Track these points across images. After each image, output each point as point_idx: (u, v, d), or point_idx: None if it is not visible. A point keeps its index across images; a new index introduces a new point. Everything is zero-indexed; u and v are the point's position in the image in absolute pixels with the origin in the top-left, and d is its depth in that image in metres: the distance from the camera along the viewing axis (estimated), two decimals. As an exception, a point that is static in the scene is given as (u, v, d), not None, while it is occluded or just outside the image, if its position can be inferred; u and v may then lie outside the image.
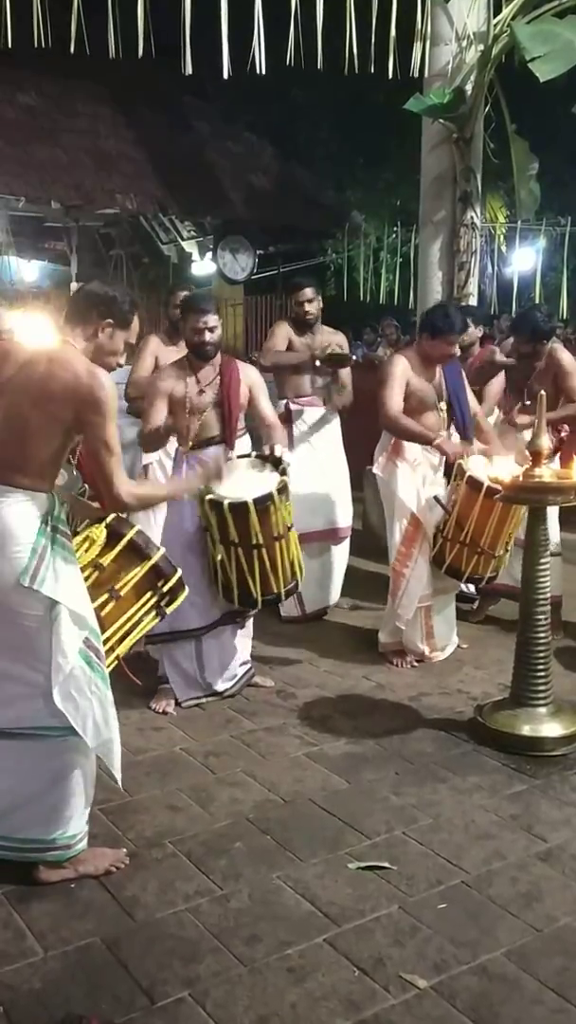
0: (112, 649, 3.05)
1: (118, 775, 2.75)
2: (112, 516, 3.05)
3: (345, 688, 4.35)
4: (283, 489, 3.85)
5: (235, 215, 13.32)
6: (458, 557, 4.40)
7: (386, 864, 2.85)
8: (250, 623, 4.28)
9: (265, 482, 3.86)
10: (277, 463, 3.96)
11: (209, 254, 14.18)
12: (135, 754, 3.62)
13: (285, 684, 4.37)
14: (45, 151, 12.04)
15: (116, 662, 3.08)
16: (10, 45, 5.36)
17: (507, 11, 6.48)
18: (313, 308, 5.25)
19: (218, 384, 4.09)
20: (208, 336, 3.99)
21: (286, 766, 3.53)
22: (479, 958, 2.42)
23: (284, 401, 5.35)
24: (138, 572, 3.09)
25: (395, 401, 4.43)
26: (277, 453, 4.01)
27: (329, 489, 5.36)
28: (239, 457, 4.06)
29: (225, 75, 5.48)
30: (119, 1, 5.63)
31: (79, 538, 3.00)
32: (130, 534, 3.08)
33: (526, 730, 3.64)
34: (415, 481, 4.54)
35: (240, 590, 3.90)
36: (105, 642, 2.98)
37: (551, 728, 3.64)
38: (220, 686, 4.16)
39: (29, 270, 16.22)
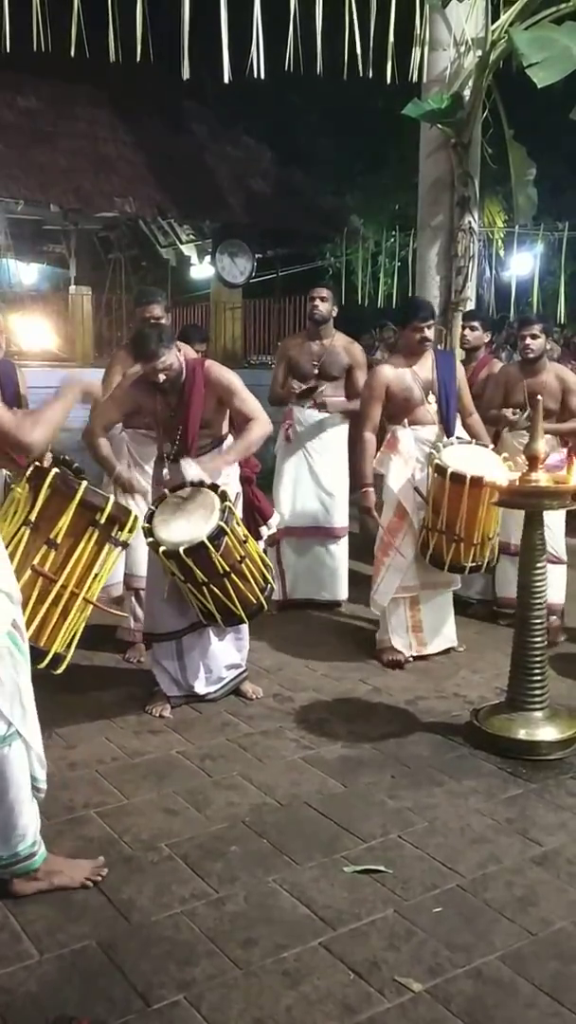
0: (75, 595, 3.02)
1: (41, 753, 2.68)
2: (31, 469, 2.97)
3: (342, 692, 4.36)
4: (227, 510, 3.74)
5: (234, 219, 13.36)
6: (438, 545, 4.51)
7: (382, 868, 2.85)
8: (245, 629, 4.24)
9: (209, 511, 3.75)
10: (214, 487, 3.84)
11: (208, 258, 14.22)
12: (131, 757, 3.62)
13: (282, 687, 4.38)
14: (44, 154, 12.09)
15: (86, 604, 3.06)
16: (9, 49, 5.37)
17: (505, 17, 6.49)
18: (323, 307, 5.40)
19: (181, 402, 3.96)
20: (162, 377, 3.84)
21: (282, 769, 3.53)
22: (474, 962, 2.42)
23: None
24: (67, 513, 3.02)
25: (372, 413, 4.73)
26: (191, 476, 3.82)
27: (323, 489, 5.49)
28: (173, 490, 3.90)
29: (226, 80, 5.50)
30: (118, 5, 5.66)
31: (6, 505, 2.95)
32: (48, 479, 2.98)
33: (522, 734, 3.64)
34: (405, 473, 4.63)
35: (222, 615, 3.88)
36: (63, 588, 2.98)
37: (547, 732, 3.65)
38: (202, 689, 4.12)
39: (28, 273, 16.25)
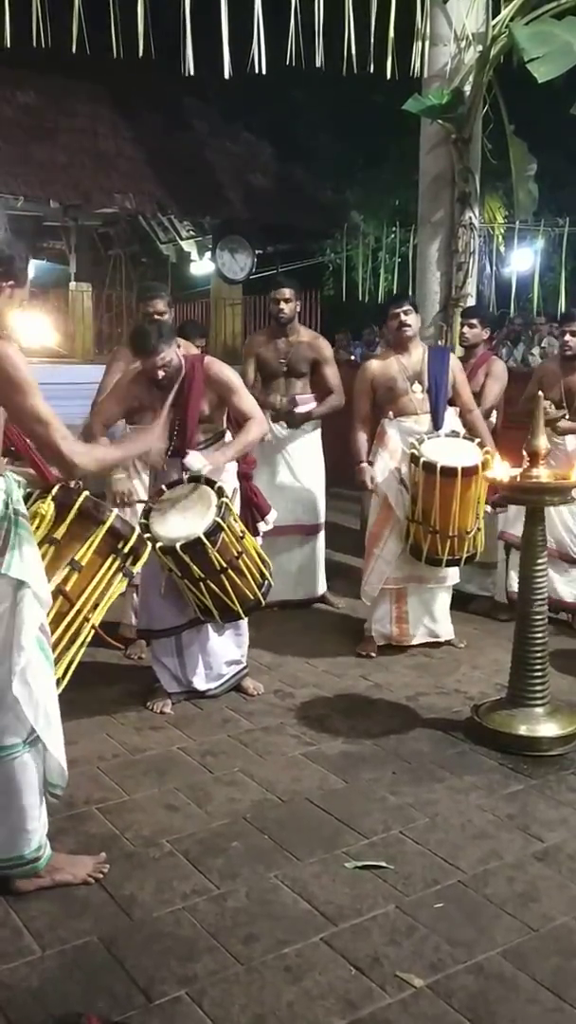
0: (87, 619, 3.01)
1: (64, 763, 2.68)
2: (58, 488, 2.94)
3: (342, 688, 4.36)
4: (224, 506, 3.75)
5: (234, 215, 13.32)
6: (417, 535, 4.56)
7: (383, 863, 2.85)
8: (244, 625, 4.25)
9: (206, 507, 3.76)
10: (211, 483, 3.85)
11: (208, 254, 14.19)
12: (132, 753, 3.62)
13: (282, 684, 4.38)
14: (44, 150, 12.05)
15: (92, 631, 3.05)
16: (9, 44, 5.37)
17: (506, 12, 6.48)
18: (287, 309, 5.33)
19: (181, 398, 3.96)
20: (162, 373, 3.84)
21: (283, 765, 3.54)
22: (475, 957, 2.43)
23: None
24: (94, 538, 3.00)
25: (359, 407, 4.84)
26: (196, 467, 3.86)
27: (299, 487, 5.50)
28: (170, 486, 3.92)
29: (226, 75, 5.49)
30: (119, 1, 5.65)
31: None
32: (79, 501, 2.96)
33: (523, 730, 3.64)
34: (390, 465, 4.68)
35: (220, 611, 3.89)
36: (77, 613, 2.97)
37: (548, 728, 3.65)
38: (202, 685, 4.12)
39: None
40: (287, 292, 5.36)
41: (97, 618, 3.06)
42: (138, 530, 3.19)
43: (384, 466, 4.68)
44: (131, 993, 2.29)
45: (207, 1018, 2.21)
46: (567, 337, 5.11)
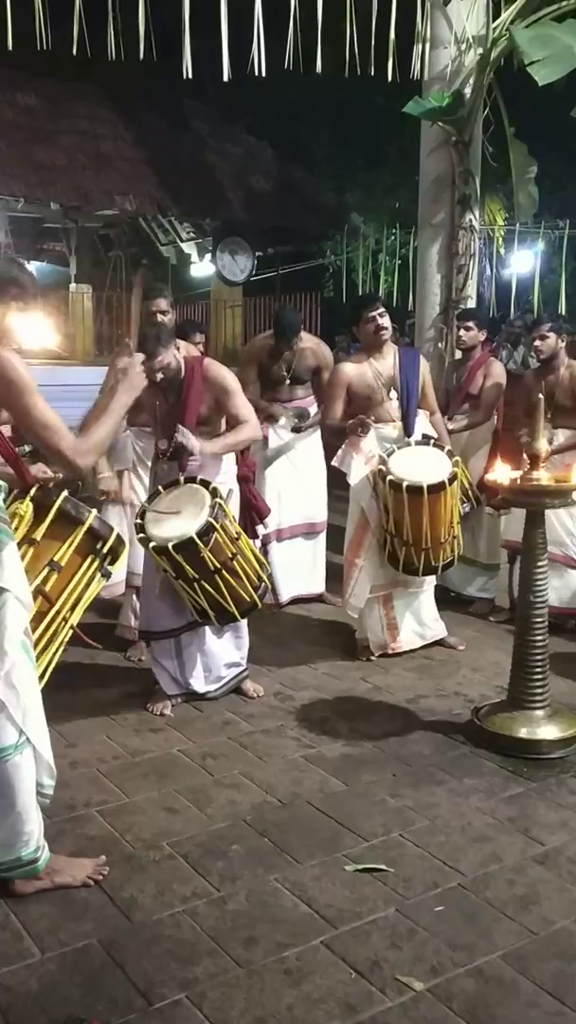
0: (65, 620, 3.03)
1: (51, 763, 2.68)
2: (36, 488, 2.96)
3: (342, 690, 4.36)
4: (217, 507, 3.75)
5: (234, 217, 13.32)
6: (393, 545, 4.54)
7: (383, 866, 2.85)
8: (244, 627, 4.24)
9: (200, 507, 3.76)
10: (206, 484, 3.86)
11: (208, 256, 14.20)
12: (132, 756, 3.62)
13: (282, 686, 4.38)
14: (44, 152, 12.05)
15: (71, 630, 3.06)
16: (10, 47, 5.37)
17: (506, 15, 6.50)
18: (294, 351, 5.36)
19: (179, 399, 3.99)
20: (159, 376, 3.84)
21: (283, 768, 3.53)
22: (475, 961, 2.42)
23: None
24: (74, 539, 3.03)
25: (333, 411, 4.69)
26: (185, 441, 3.87)
27: (304, 487, 5.55)
28: (166, 487, 3.93)
29: (225, 78, 5.50)
30: (120, 4, 5.66)
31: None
32: (58, 502, 2.98)
33: (523, 733, 3.64)
34: (364, 471, 4.62)
35: (216, 612, 3.89)
36: (56, 614, 2.99)
37: (548, 731, 3.65)
38: (201, 687, 4.12)
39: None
40: (297, 343, 5.33)
41: (75, 618, 3.08)
42: (116, 531, 3.21)
43: (358, 472, 4.60)
44: (131, 996, 2.28)
45: (207, 1021, 2.20)
46: (536, 343, 5.18)
